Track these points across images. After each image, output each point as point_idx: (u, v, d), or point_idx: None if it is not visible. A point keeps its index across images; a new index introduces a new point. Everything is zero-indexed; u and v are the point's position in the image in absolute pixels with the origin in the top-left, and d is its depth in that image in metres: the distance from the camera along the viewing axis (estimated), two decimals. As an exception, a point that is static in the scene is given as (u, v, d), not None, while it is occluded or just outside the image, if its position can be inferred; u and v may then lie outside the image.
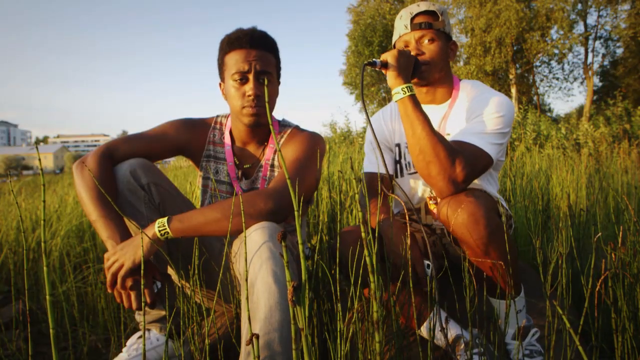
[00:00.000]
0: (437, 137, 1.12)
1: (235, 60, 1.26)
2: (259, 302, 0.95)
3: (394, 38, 1.37)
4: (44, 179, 0.56)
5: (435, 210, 1.36)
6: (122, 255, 1.06)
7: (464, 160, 1.12)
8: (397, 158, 1.43)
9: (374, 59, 1.23)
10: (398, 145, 1.44)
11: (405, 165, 1.42)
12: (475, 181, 1.33)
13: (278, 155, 1.32)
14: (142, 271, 0.82)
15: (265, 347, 0.92)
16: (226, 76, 1.29)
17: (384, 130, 1.47)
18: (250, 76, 1.26)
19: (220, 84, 1.37)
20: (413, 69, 1.27)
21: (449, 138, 1.25)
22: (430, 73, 1.31)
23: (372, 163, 1.45)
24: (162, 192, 1.24)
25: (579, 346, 0.56)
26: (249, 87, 1.25)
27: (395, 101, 1.20)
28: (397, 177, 1.45)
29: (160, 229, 1.07)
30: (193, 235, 1.09)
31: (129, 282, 1.06)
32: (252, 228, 1.05)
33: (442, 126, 1.33)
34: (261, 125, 1.31)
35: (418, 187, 1.41)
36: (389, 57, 1.21)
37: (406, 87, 1.18)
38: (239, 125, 1.36)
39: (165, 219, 1.08)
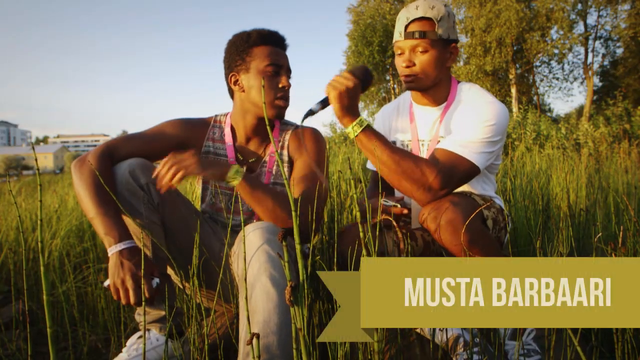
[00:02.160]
0: (399, 155, 1.15)
1: (268, 53, 1.30)
2: (257, 305, 0.96)
3: (393, 39, 1.35)
4: (39, 179, 0.56)
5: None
6: (203, 164, 1.13)
7: (435, 168, 1.14)
8: None
9: (311, 108, 1.18)
10: (394, 142, 1.45)
11: None
12: (473, 189, 1.35)
13: (299, 149, 1.35)
14: (142, 267, 0.82)
15: (263, 349, 0.92)
16: (252, 67, 1.30)
17: (381, 126, 1.48)
18: (283, 71, 1.32)
19: (232, 76, 1.35)
20: (364, 84, 1.20)
21: (442, 141, 1.26)
22: (419, 84, 1.29)
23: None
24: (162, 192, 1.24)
25: (577, 347, 0.56)
26: (284, 80, 1.31)
27: (351, 139, 1.20)
28: None
29: (232, 176, 1.13)
30: (248, 202, 1.17)
31: (133, 273, 1.06)
32: (250, 229, 1.05)
33: (437, 129, 1.33)
34: (282, 118, 1.36)
35: None
36: (331, 95, 1.15)
37: (355, 125, 1.16)
38: (246, 120, 1.37)
39: (243, 171, 1.15)
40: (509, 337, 1.18)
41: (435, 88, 1.33)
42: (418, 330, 1.21)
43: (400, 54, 1.30)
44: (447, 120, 1.32)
